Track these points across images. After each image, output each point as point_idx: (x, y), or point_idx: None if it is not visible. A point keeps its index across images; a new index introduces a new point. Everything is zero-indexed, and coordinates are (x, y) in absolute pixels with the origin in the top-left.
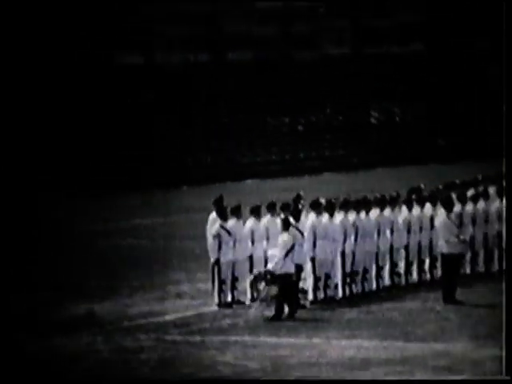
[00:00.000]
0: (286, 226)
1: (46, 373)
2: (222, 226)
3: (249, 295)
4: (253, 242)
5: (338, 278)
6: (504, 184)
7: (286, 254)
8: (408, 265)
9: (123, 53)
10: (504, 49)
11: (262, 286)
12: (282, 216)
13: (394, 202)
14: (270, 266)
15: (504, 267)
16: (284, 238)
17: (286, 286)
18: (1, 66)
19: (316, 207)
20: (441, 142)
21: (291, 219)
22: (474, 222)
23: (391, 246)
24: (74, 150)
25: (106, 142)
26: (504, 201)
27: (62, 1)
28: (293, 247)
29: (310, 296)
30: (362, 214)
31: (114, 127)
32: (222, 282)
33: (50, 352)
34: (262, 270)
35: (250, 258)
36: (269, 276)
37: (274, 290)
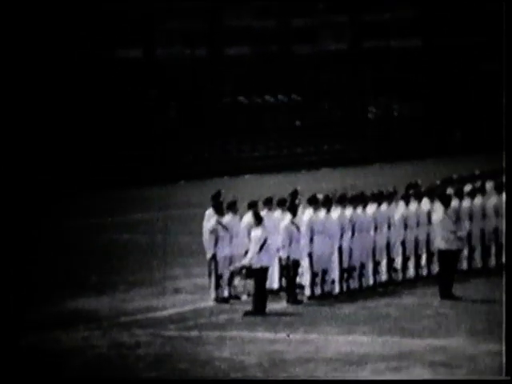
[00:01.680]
0: (258, 220)
1: (42, 367)
2: (218, 222)
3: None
4: (250, 238)
5: (335, 274)
6: (504, 179)
7: (260, 249)
8: (405, 260)
9: (122, 47)
10: (504, 48)
11: (237, 281)
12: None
13: (391, 198)
14: (245, 261)
15: (503, 263)
16: (257, 232)
17: (261, 280)
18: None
19: (313, 203)
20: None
21: (288, 214)
22: (471, 217)
23: (388, 242)
24: (70, 142)
25: (105, 138)
26: (504, 196)
27: None
28: (265, 241)
29: (308, 291)
30: (359, 210)
31: (111, 123)
32: (218, 278)
33: (47, 346)
34: (239, 265)
35: (247, 253)
36: (244, 271)
37: (250, 284)
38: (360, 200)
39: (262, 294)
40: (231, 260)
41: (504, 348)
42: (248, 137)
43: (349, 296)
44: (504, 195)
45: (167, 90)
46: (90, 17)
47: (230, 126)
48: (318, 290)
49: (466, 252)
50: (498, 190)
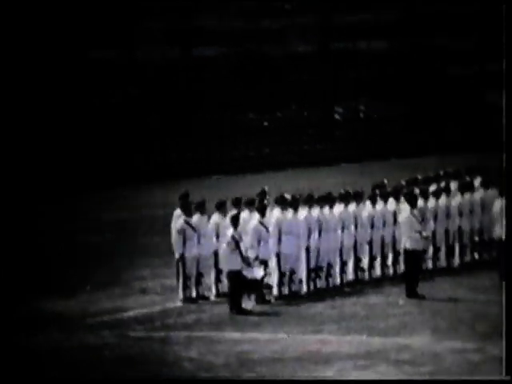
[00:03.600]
0: (235, 225)
1: (6, 370)
2: (186, 222)
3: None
4: (217, 238)
5: (302, 274)
6: (504, 181)
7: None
8: (371, 260)
9: (98, 48)
10: (504, 48)
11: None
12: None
13: (357, 198)
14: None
15: (503, 261)
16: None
17: (232, 282)
18: None
19: (281, 203)
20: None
21: (256, 214)
22: (435, 217)
23: (355, 242)
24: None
25: (80, 137)
26: (504, 199)
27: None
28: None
29: (275, 291)
30: (326, 210)
31: (88, 124)
32: (186, 278)
33: (12, 349)
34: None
35: (215, 253)
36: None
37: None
38: (327, 200)
39: (236, 295)
40: (199, 260)
41: (504, 348)
42: (216, 138)
43: (316, 295)
44: (503, 198)
45: (136, 91)
46: (85, 19)
47: (197, 127)
48: (285, 290)
49: (430, 251)
50: (462, 189)
